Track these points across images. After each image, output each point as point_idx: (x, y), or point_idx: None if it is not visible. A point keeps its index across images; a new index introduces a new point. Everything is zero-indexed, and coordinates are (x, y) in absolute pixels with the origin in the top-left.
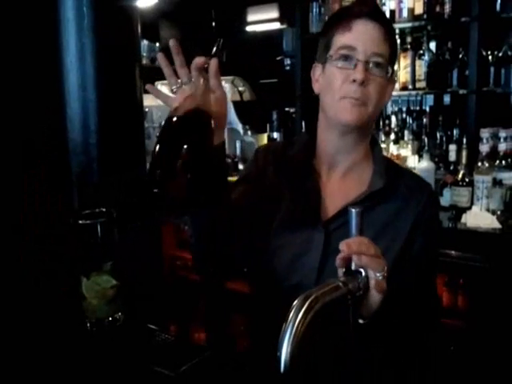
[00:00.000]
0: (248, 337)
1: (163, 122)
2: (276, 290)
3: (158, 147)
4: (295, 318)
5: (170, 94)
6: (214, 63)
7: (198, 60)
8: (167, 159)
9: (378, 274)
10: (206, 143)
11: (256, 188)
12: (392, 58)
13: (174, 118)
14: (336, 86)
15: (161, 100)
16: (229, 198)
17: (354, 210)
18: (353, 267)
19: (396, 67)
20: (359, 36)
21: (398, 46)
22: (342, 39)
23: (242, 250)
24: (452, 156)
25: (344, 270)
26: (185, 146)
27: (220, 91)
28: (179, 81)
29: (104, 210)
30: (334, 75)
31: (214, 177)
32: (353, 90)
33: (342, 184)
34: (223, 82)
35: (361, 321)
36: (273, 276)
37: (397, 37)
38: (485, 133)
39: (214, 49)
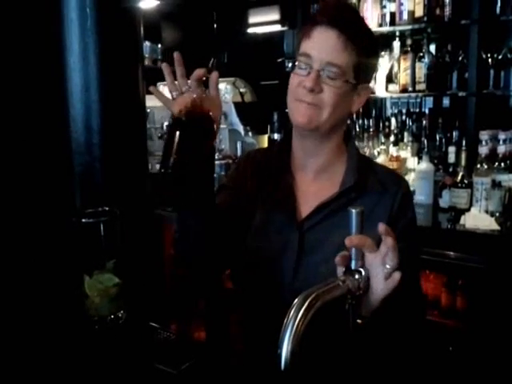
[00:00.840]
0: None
1: (166, 124)
2: (258, 290)
3: (168, 144)
4: (296, 316)
5: (170, 98)
6: (214, 76)
7: (198, 72)
8: (178, 155)
9: (388, 266)
10: (209, 142)
11: (236, 193)
12: (360, 65)
13: (183, 118)
14: (292, 89)
15: (162, 102)
16: (214, 202)
17: (353, 211)
18: (353, 266)
19: (396, 69)
20: (315, 44)
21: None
22: (303, 46)
23: (225, 253)
24: (451, 158)
25: (344, 269)
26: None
27: (218, 100)
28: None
29: (107, 208)
30: (292, 79)
31: (205, 176)
32: (304, 94)
33: (314, 184)
34: (224, 84)
35: (359, 321)
36: (254, 277)
37: (396, 41)
38: (484, 135)
39: (210, 64)
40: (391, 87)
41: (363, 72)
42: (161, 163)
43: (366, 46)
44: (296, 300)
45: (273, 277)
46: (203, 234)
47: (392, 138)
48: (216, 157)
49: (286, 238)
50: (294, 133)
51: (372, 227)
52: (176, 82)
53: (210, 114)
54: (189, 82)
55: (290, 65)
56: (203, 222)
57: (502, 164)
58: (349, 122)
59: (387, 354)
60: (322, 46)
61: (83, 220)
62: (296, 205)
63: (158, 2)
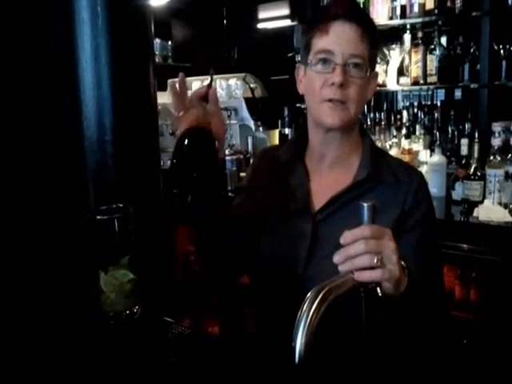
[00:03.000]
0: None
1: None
2: (271, 280)
3: (174, 163)
4: (309, 309)
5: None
6: (212, 93)
7: (199, 91)
8: (184, 174)
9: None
10: (213, 158)
11: (252, 193)
12: (372, 56)
13: (186, 140)
14: (316, 90)
15: (170, 121)
16: (226, 211)
17: (364, 205)
18: None
19: (407, 62)
20: (336, 39)
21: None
22: (319, 42)
23: (243, 256)
24: (464, 150)
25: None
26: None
27: (218, 116)
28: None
29: (121, 205)
30: (314, 79)
31: (214, 189)
32: (332, 92)
33: (330, 176)
34: (235, 79)
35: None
36: (267, 267)
37: (407, 34)
38: (497, 127)
39: (209, 79)
40: (402, 80)
41: (374, 60)
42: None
43: (375, 37)
44: (309, 293)
45: (285, 267)
46: (215, 246)
47: (404, 131)
48: (227, 152)
49: (300, 228)
50: (314, 127)
51: (384, 219)
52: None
53: (214, 131)
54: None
55: (298, 59)
56: (214, 236)
57: None
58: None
59: (404, 345)
60: (343, 39)
61: (97, 217)
62: (310, 196)
63: (168, 0)
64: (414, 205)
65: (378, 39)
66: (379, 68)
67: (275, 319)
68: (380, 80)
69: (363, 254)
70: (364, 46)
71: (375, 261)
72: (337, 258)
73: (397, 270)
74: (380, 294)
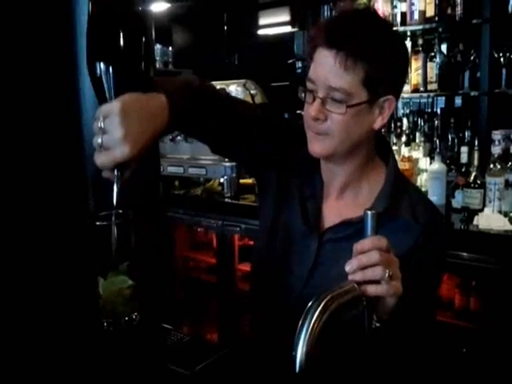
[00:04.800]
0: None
1: None
2: (268, 291)
3: None
4: (311, 318)
5: None
6: None
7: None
8: None
9: (383, 282)
10: None
11: (265, 135)
12: (371, 80)
13: None
14: (305, 118)
15: None
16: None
17: (369, 213)
18: None
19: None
20: (318, 68)
21: (409, 54)
22: (310, 70)
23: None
24: (464, 158)
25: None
26: None
27: None
28: None
29: (120, 211)
30: (304, 106)
31: None
32: (312, 125)
33: (340, 198)
34: (235, 86)
35: (376, 324)
36: (266, 276)
37: (408, 41)
38: (497, 135)
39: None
40: None
41: (381, 83)
42: None
43: (375, 55)
44: (311, 302)
45: (285, 278)
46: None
47: (404, 139)
48: (227, 159)
49: (306, 243)
50: None
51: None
52: None
53: None
54: None
55: (299, 66)
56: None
57: None
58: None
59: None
60: (322, 69)
61: (97, 223)
62: (321, 212)
63: (169, 5)
64: (425, 247)
65: (387, 56)
66: None
67: (270, 330)
68: None
69: (375, 265)
70: (350, 77)
71: (387, 275)
72: (348, 268)
73: (401, 287)
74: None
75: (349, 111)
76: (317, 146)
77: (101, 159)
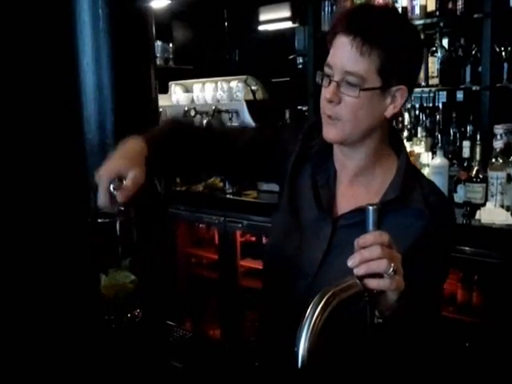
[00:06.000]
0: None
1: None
2: (283, 273)
3: None
4: (312, 313)
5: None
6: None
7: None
8: None
9: (385, 276)
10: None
11: (278, 143)
12: (385, 68)
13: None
14: (321, 102)
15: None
16: None
17: (370, 208)
18: None
19: None
20: (336, 53)
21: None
22: (329, 55)
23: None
24: (466, 152)
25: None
26: None
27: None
28: None
29: (122, 208)
30: (321, 90)
31: None
32: (326, 107)
33: (353, 185)
34: (236, 82)
35: (379, 320)
36: (282, 257)
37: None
38: (499, 129)
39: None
40: None
41: (394, 73)
42: None
43: (391, 45)
44: (313, 298)
45: (300, 263)
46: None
47: (405, 133)
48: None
49: (319, 228)
50: None
51: (402, 243)
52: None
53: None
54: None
55: (299, 61)
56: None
57: None
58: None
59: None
60: (340, 54)
61: (99, 220)
62: (334, 199)
63: (169, 2)
64: (435, 235)
65: (402, 45)
66: None
67: (280, 320)
68: None
69: (380, 259)
70: (364, 61)
71: (391, 269)
72: (351, 262)
73: (403, 282)
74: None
75: (362, 95)
76: (330, 131)
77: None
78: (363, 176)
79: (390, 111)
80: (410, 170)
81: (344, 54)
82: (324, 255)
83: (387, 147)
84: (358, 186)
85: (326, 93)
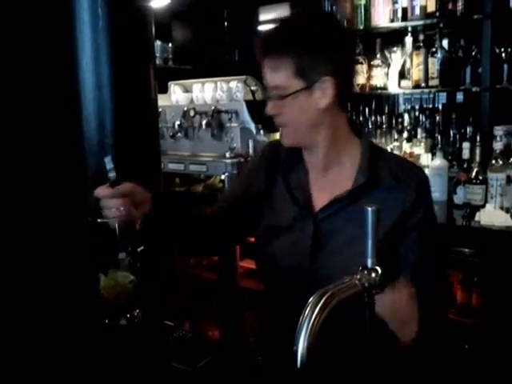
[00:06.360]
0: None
1: None
2: (276, 270)
3: None
4: (311, 313)
5: None
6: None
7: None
8: None
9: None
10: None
11: (248, 181)
12: (303, 69)
13: None
14: None
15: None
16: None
17: (369, 209)
18: (369, 265)
19: (408, 65)
20: (263, 75)
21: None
22: None
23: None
24: (465, 154)
25: (360, 267)
26: None
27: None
28: None
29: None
30: None
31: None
32: (275, 120)
33: (326, 177)
34: (235, 82)
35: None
36: (272, 258)
37: (409, 36)
38: (499, 130)
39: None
40: (404, 83)
41: (313, 70)
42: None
43: (301, 49)
44: (312, 298)
45: (290, 260)
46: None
47: (405, 135)
48: (228, 155)
49: (302, 225)
50: None
51: (384, 221)
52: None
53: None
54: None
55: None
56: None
57: None
58: (361, 118)
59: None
60: (264, 75)
61: (98, 220)
62: (311, 196)
63: (169, 1)
64: (414, 205)
65: (313, 44)
66: (380, 71)
67: (281, 320)
68: (381, 83)
69: None
70: (282, 74)
71: None
72: None
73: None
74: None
75: (289, 102)
76: (283, 138)
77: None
78: (332, 168)
79: (323, 103)
80: (374, 152)
81: (266, 74)
82: (311, 251)
83: (348, 135)
84: (330, 178)
85: (266, 110)
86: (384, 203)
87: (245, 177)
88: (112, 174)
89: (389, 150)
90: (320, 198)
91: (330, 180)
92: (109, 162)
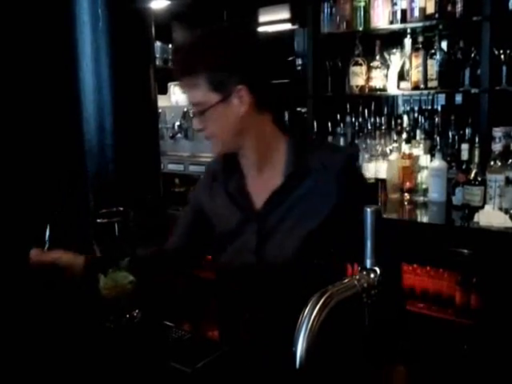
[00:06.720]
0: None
1: None
2: (229, 274)
3: None
4: (310, 314)
5: None
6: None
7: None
8: None
9: None
10: None
11: (197, 206)
12: (215, 83)
13: None
14: None
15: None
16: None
17: (368, 210)
18: (368, 265)
19: (408, 66)
20: (184, 93)
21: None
22: None
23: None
24: (464, 155)
25: (359, 268)
26: None
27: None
28: None
29: (121, 208)
30: None
31: None
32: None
33: (262, 175)
34: None
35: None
36: (226, 265)
37: (408, 38)
38: (497, 132)
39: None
40: (403, 84)
41: (227, 82)
42: None
43: (208, 66)
44: (311, 298)
45: (238, 261)
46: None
47: (404, 136)
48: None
49: (247, 228)
50: None
51: (323, 205)
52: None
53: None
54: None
55: (299, 63)
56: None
57: None
58: (360, 119)
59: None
60: (186, 95)
61: (98, 220)
62: (250, 197)
63: (169, 2)
64: (348, 184)
65: (219, 58)
66: (379, 72)
67: (236, 312)
68: (381, 84)
69: None
70: (197, 91)
71: None
72: None
73: None
74: None
75: (210, 115)
76: (213, 148)
77: None
78: (265, 166)
79: (242, 110)
80: (302, 144)
81: (186, 94)
82: (257, 248)
83: (275, 133)
84: (265, 176)
85: (193, 126)
86: (319, 188)
87: (193, 199)
88: (48, 243)
89: (388, 150)
90: (259, 197)
91: (265, 178)
92: (48, 232)
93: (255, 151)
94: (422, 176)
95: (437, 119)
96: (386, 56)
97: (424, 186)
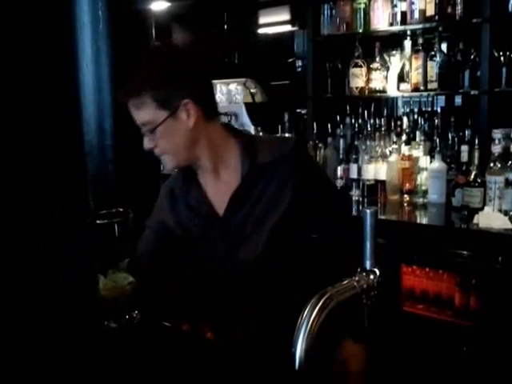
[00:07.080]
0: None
1: None
2: (205, 281)
3: None
4: (310, 315)
5: None
6: None
7: None
8: None
9: None
10: None
11: (158, 228)
12: (161, 100)
13: None
14: None
15: None
16: None
17: (367, 211)
18: (367, 266)
19: (407, 68)
20: (132, 113)
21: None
22: None
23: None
24: (464, 157)
25: (359, 269)
26: None
27: None
28: None
29: (120, 209)
30: None
31: None
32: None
33: (221, 181)
34: (235, 84)
35: None
36: (197, 267)
37: (408, 40)
38: (497, 133)
39: None
40: (403, 86)
41: (172, 98)
42: None
43: (149, 86)
44: (310, 299)
45: (214, 275)
46: None
47: (404, 137)
48: None
49: (214, 235)
50: None
51: (284, 195)
52: None
53: None
54: None
55: (299, 65)
56: None
57: None
58: (360, 121)
59: None
60: (132, 113)
61: (97, 221)
62: (213, 205)
63: (169, 4)
64: (300, 169)
65: (163, 78)
66: (379, 74)
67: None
68: (380, 86)
69: None
70: (144, 110)
71: None
72: None
73: None
74: None
75: (160, 132)
76: (167, 164)
77: None
78: (222, 170)
79: (191, 122)
80: (251, 142)
81: (133, 114)
82: (226, 251)
83: (225, 138)
84: (223, 180)
85: (144, 145)
86: (273, 181)
87: (155, 224)
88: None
89: (387, 152)
90: (221, 202)
91: (224, 181)
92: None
93: (210, 159)
94: (422, 177)
95: (436, 121)
96: (386, 58)
97: (424, 188)
